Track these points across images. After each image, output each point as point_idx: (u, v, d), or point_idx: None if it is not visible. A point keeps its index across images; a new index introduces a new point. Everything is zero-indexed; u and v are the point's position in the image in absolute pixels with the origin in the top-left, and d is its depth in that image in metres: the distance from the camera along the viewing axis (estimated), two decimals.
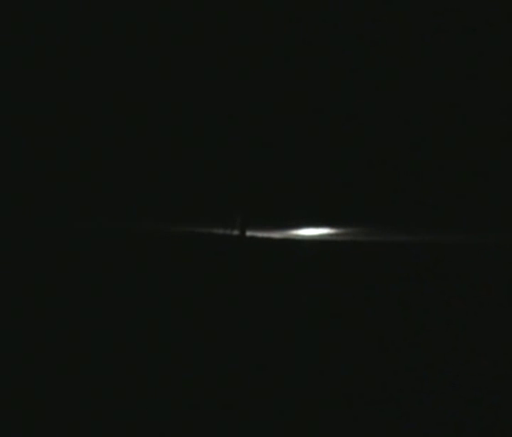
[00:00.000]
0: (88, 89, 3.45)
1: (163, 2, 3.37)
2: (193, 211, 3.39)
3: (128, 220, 3.42)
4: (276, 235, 3.28)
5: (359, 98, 3.23)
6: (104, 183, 3.45)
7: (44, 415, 2.74)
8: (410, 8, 3.18)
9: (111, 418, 2.70)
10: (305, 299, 3.13)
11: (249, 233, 3.30)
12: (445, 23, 3.21)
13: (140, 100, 3.42)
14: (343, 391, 2.75)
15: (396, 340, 2.97)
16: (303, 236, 3.28)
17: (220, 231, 3.32)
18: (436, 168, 3.19)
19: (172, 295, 3.23)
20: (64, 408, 2.77)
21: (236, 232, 3.27)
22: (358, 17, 3.25)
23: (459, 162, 3.14)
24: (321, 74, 3.25)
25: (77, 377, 2.90)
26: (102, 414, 2.71)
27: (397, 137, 3.21)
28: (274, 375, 2.85)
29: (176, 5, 3.37)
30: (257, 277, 3.24)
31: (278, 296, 3.17)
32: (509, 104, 3.18)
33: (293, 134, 3.28)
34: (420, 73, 3.20)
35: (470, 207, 3.14)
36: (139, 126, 3.43)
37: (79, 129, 3.48)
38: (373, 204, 3.23)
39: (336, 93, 3.22)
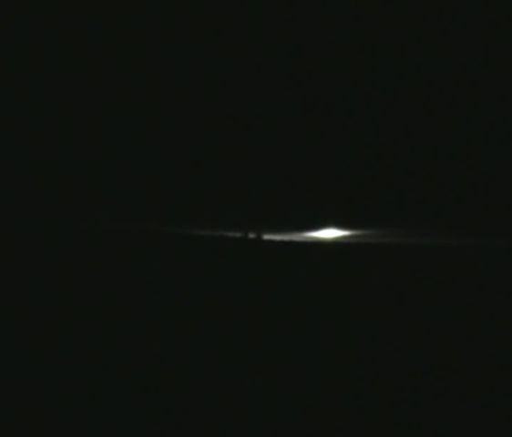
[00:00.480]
0: (88, 88, 3.44)
1: (164, 3, 3.37)
2: (200, 212, 3.37)
3: (128, 220, 3.42)
4: (294, 237, 3.24)
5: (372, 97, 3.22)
6: (104, 183, 3.44)
7: (43, 415, 2.74)
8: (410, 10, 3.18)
9: (111, 419, 2.70)
10: (323, 304, 3.10)
11: (265, 236, 3.26)
12: (445, 23, 3.20)
13: (141, 100, 3.42)
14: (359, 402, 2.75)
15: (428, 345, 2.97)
16: (323, 238, 3.23)
17: (231, 234, 3.29)
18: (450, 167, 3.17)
19: (174, 297, 3.22)
20: (64, 408, 2.77)
21: (248, 235, 3.24)
22: (358, 19, 3.24)
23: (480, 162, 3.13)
24: (333, 74, 3.24)
25: (77, 377, 2.90)
26: (102, 415, 2.71)
27: (413, 137, 3.19)
28: (288, 384, 2.83)
29: (176, 5, 3.37)
30: (272, 281, 3.20)
31: (294, 300, 3.14)
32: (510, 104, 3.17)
33: (307, 133, 3.27)
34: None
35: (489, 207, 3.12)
36: (140, 125, 3.43)
37: (79, 129, 3.47)
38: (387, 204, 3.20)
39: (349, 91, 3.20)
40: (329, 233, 3.22)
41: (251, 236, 3.22)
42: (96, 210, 3.46)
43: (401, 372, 2.84)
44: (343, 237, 3.18)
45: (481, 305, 2.98)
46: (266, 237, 3.23)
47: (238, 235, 3.23)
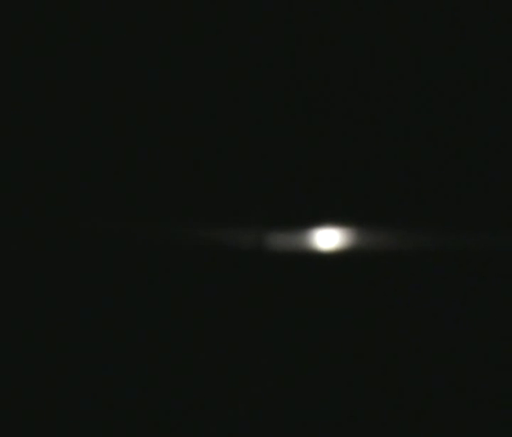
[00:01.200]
0: (88, 88, 3.47)
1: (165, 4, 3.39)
2: (204, 212, 3.38)
3: (129, 220, 3.44)
4: (296, 240, 3.16)
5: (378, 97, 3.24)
6: (104, 183, 3.46)
7: (43, 416, 2.77)
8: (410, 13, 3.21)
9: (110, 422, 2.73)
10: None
11: (268, 238, 3.21)
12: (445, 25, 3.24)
13: (142, 99, 3.44)
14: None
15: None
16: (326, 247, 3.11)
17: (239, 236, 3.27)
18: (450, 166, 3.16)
19: (175, 300, 3.22)
20: (64, 409, 2.80)
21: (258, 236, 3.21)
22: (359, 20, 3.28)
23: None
24: (338, 73, 3.26)
25: (76, 379, 2.92)
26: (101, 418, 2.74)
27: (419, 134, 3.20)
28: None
29: (176, 5, 3.39)
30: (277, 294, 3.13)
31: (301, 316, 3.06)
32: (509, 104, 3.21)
33: (306, 130, 3.27)
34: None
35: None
36: (141, 125, 3.45)
37: (79, 128, 3.49)
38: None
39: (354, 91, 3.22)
40: (332, 232, 3.17)
41: (258, 235, 3.20)
42: (95, 210, 3.47)
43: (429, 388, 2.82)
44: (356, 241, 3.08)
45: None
46: (269, 235, 3.21)
47: (245, 236, 3.22)
